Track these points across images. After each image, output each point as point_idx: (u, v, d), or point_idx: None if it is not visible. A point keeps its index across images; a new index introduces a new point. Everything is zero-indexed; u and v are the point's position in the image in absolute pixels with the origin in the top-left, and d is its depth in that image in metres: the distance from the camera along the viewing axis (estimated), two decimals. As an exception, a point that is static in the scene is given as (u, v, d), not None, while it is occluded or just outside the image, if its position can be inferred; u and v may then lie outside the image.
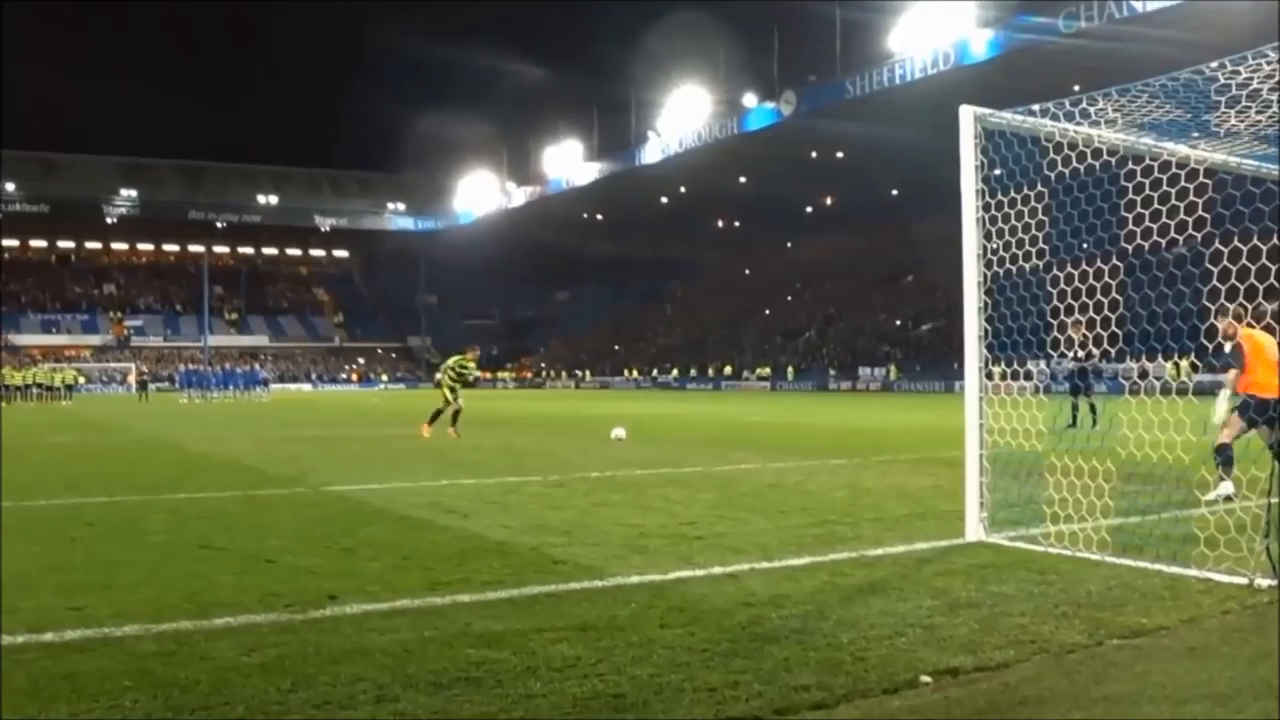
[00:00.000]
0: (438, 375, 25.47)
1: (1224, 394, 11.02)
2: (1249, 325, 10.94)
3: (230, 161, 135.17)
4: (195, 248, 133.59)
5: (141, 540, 9.61)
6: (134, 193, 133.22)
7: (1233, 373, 10.99)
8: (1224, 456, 10.87)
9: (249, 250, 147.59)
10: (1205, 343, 8.33)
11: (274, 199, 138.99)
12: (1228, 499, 10.21)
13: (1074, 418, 20.77)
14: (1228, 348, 11.08)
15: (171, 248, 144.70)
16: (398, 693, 4.99)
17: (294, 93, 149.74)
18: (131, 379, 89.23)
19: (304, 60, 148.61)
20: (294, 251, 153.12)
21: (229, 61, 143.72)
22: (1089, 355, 20.73)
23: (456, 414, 24.14)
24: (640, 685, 5.09)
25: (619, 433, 22.71)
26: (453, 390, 24.18)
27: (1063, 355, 20.10)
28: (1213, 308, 7.75)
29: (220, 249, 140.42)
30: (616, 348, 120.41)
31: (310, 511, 11.73)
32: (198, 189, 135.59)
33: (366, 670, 5.33)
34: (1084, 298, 9.03)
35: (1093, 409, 20.96)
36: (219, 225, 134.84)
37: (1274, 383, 10.88)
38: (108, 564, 8.38)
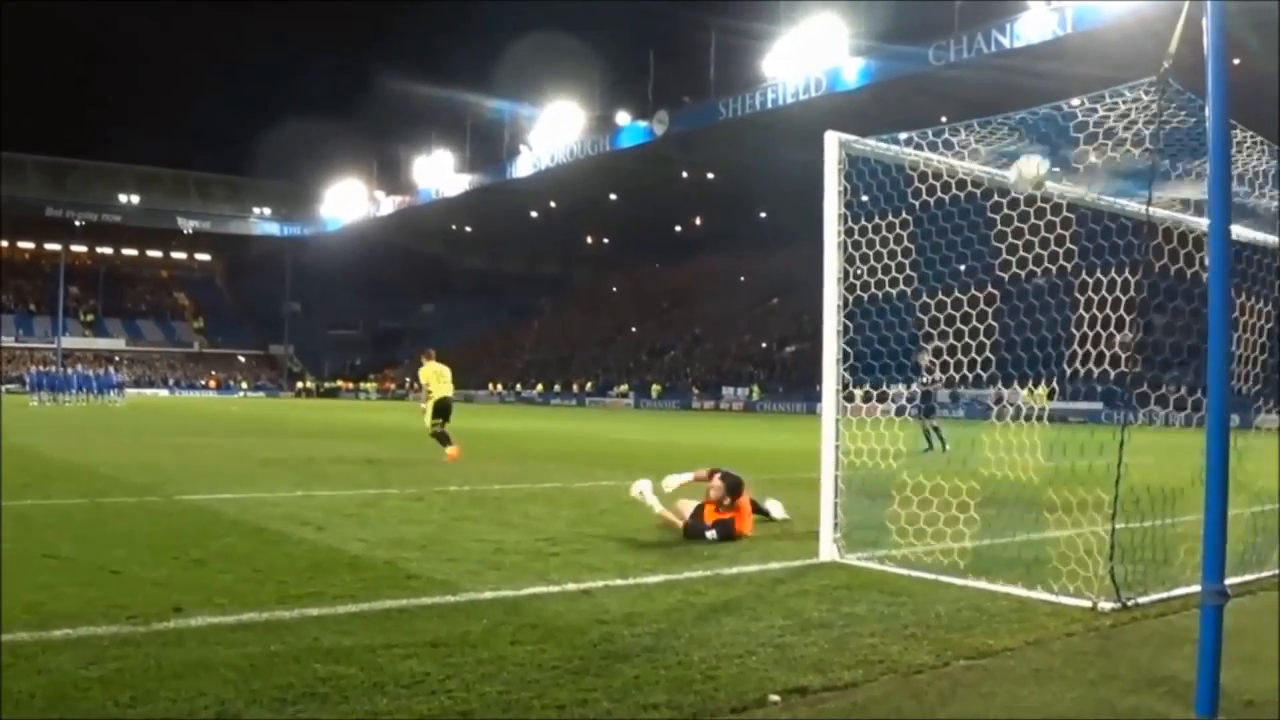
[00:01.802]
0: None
1: None
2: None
3: (93, 159, 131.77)
4: (52, 246, 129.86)
5: (-16, 548, 9.27)
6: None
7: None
8: None
9: (108, 250, 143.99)
10: (1066, 368, 8.52)
11: (136, 199, 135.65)
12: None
13: (929, 441, 21.30)
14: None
15: (27, 245, 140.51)
16: (240, 708, 4.87)
17: (162, 92, 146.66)
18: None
19: (174, 60, 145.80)
20: (155, 253, 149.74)
21: (97, 57, 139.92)
22: (933, 380, 21.21)
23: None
24: (489, 702, 5.04)
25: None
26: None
27: (917, 380, 20.54)
28: (1089, 335, 7.95)
29: (78, 248, 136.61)
30: (482, 362, 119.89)
31: (162, 521, 11.42)
32: (58, 186, 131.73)
33: (209, 685, 5.19)
34: (941, 325, 9.19)
35: (937, 431, 21.52)
36: (77, 224, 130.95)
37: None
38: (-56, 571, 8.06)
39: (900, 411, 11.02)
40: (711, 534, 10.31)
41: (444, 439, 21.08)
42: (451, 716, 4.85)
